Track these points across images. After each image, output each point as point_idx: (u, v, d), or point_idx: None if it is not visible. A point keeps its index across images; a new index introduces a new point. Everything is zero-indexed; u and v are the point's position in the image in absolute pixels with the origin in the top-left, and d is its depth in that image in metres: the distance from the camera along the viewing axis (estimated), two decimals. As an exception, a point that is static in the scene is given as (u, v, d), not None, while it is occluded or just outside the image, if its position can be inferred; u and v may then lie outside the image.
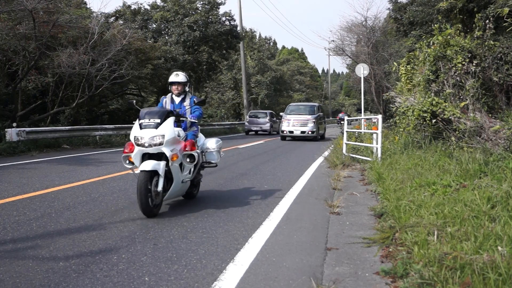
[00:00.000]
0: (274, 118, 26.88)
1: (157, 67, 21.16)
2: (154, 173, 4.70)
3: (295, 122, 19.88)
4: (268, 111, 27.16)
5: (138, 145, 4.77)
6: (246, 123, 26.55)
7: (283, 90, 49.84)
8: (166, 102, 5.74)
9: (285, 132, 19.91)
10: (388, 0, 17.79)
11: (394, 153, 8.75)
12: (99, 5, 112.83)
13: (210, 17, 25.70)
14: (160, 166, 4.70)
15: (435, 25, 9.70)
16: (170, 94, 5.78)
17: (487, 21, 9.01)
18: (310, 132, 19.58)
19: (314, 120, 19.86)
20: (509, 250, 2.94)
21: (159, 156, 4.82)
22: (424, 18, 13.63)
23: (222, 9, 38.95)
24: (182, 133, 5.14)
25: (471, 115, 7.79)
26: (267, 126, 25.63)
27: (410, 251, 3.23)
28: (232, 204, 5.61)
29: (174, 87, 5.68)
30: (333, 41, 34.99)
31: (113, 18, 24.45)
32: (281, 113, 22.07)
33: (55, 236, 4.02)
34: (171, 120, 4.93)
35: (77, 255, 3.51)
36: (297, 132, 19.67)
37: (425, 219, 3.84)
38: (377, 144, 9.04)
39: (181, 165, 5.08)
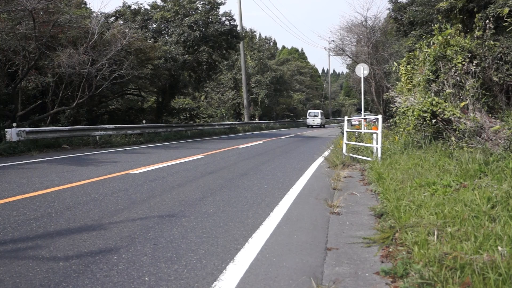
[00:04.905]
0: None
1: (157, 67, 21.13)
2: None
3: None
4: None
5: None
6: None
7: (283, 90, 49.92)
8: None
9: None
10: (388, 0, 17.79)
11: (394, 153, 8.75)
12: (99, 5, 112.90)
13: (210, 17, 25.66)
14: None
15: (435, 25, 9.71)
16: None
17: (487, 21, 9.01)
18: None
19: None
20: (509, 250, 2.94)
21: None
22: (424, 18, 13.64)
23: (222, 9, 38.97)
24: None
25: (471, 115, 7.78)
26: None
27: (410, 251, 3.23)
28: (232, 204, 5.60)
29: None
30: (333, 41, 34.99)
31: (113, 18, 24.42)
32: None
33: (55, 236, 4.02)
34: None
35: (77, 255, 3.50)
36: None
37: (425, 219, 3.84)
38: (377, 144, 9.04)
39: None
